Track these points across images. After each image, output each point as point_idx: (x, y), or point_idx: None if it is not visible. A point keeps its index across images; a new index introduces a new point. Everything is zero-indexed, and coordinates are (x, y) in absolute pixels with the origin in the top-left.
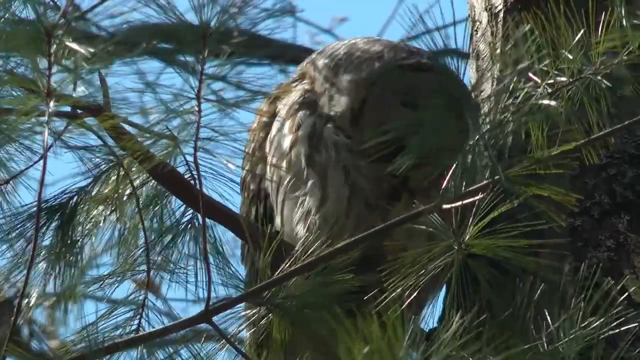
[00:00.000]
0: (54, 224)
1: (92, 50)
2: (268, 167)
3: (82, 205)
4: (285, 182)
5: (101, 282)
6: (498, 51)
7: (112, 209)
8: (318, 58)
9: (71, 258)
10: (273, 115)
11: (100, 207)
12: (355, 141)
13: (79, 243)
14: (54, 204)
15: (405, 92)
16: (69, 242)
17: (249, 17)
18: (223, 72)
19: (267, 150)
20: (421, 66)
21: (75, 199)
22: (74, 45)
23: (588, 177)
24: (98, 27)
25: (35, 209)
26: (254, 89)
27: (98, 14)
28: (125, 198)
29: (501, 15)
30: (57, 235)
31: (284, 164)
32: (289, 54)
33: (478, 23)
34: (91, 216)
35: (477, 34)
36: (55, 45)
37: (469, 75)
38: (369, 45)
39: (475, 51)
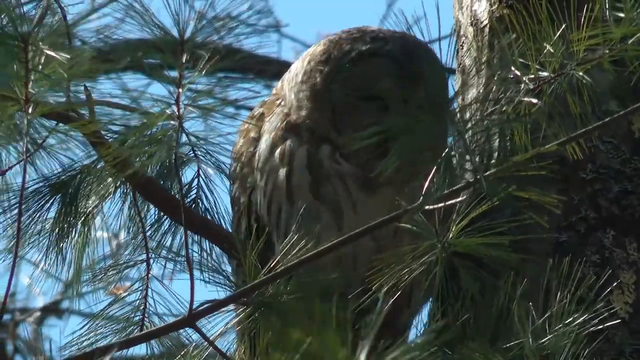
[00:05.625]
0: (56, 203)
1: (68, 56)
2: (259, 194)
3: (88, 180)
4: (285, 215)
5: (103, 275)
6: (484, 60)
7: (119, 183)
8: (286, 76)
9: (77, 235)
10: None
11: (109, 180)
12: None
13: (85, 217)
14: (56, 182)
15: (361, 84)
16: (73, 220)
17: (233, 31)
18: (208, 86)
19: (257, 177)
20: (361, 55)
21: (79, 176)
22: (50, 52)
23: (574, 192)
24: (82, 41)
25: (38, 185)
26: (238, 103)
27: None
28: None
29: (487, 30)
30: (60, 212)
31: (283, 198)
32: (273, 69)
33: (464, 38)
34: (99, 190)
35: (462, 49)
36: (31, 52)
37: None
38: (313, 47)
39: (461, 66)
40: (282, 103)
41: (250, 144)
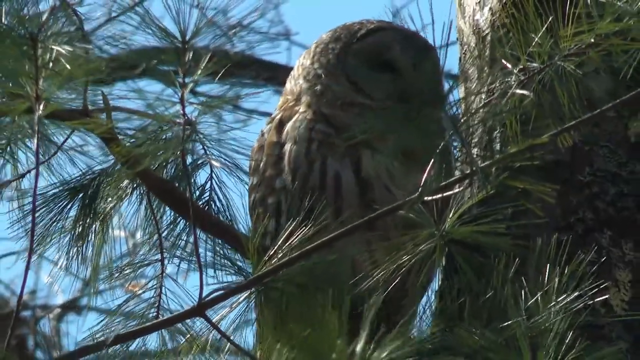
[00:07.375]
0: (76, 205)
1: (74, 50)
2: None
3: (106, 183)
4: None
5: (119, 273)
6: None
7: (135, 185)
8: (287, 85)
9: (95, 237)
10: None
11: (125, 182)
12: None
13: (103, 220)
14: (76, 185)
15: (372, 53)
16: (92, 220)
17: (245, 39)
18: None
19: (294, 185)
20: (370, 31)
21: (97, 179)
22: (59, 48)
23: (572, 195)
24: (100, 49)
25: (59, 189)
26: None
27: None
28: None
29: (488, 38)
30: (80, 214)
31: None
32: (283, 76)
33: (466, 46)
34: (115, 192)
35: (465, 57)
36: (41, 49)
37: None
38: (315, 42)
39: (463, 74)
40: (301, 109)
41: (273, 148)
